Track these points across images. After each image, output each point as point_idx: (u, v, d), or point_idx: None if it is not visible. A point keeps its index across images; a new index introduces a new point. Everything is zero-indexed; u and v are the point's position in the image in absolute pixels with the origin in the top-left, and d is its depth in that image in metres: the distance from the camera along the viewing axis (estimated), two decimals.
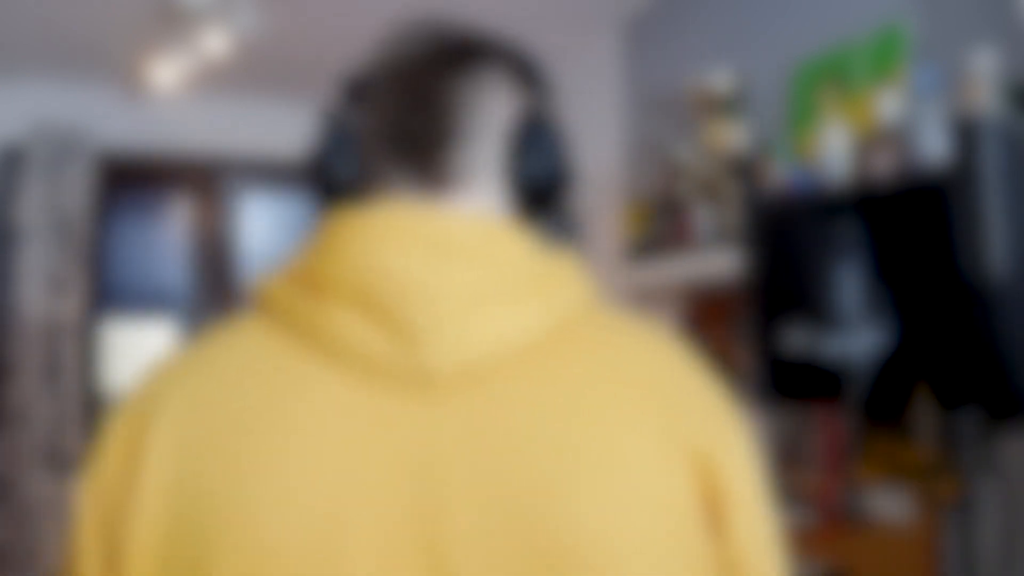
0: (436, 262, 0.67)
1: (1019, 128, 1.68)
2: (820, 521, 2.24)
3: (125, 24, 3.34)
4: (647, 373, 0.72)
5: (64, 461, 3.70)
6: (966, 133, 1.67)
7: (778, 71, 2.63)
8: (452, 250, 0.68)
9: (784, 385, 2.07)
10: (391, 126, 0.77)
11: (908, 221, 1.84)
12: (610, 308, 0.78)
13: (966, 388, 1.72)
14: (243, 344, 0.72)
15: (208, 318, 4.16)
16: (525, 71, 0.82)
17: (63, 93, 3.97)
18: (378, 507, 0.64)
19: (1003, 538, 1.83)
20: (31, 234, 3.75)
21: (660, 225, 2.87)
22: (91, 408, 3.90)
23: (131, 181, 4.13)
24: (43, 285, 3.75)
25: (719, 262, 2.49)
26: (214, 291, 4.20)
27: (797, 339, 1.96)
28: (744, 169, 2.46)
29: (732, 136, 2.64)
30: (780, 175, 2.31)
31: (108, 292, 4.04)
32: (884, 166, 1.96)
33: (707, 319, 2.85)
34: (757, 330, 2.11)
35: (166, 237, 4.22)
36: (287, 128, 4.37)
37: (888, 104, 2.07)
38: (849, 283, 1.91)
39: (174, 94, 4.05)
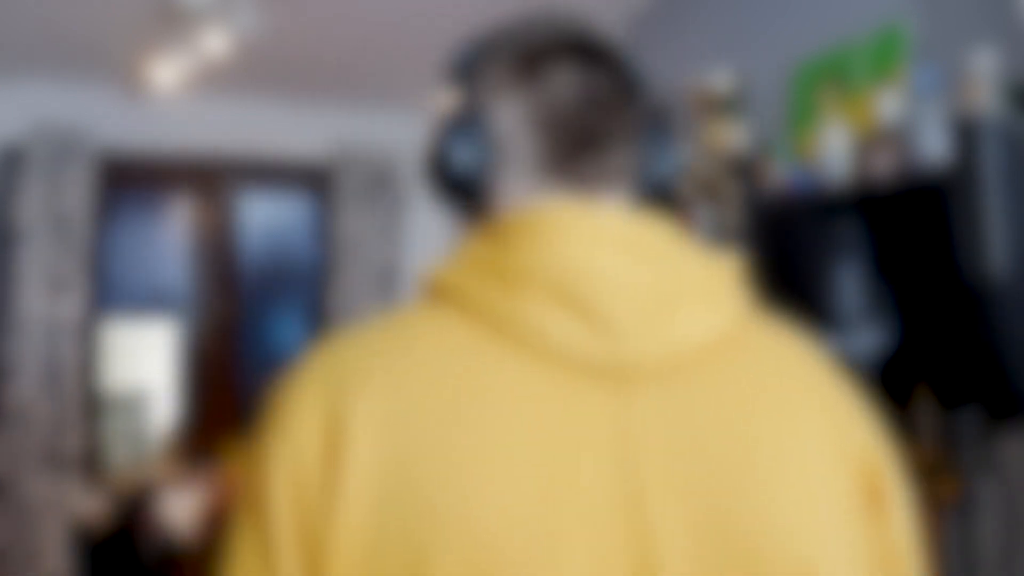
0: (628, 261, 0.69)
1: (1019, 128, 1.68)
2: None
3: (125, 24, 3.35)
4: (809, 375, 0.75)
5: (64, 461, 3.70)
6: (966, 133, 1.67)
7: (778, 71, 2.63)
8: (641, 251, 0.70)
9: None
10: (538, 126, 0.78)
11: (908, 221, 1.84)
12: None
13: (966, 388, 1.72)
14: (433, 331, 0.70)
15: (208, 318, 4.16)
16: (635, 70, 0.84)
17: (63, 93, 3.97)
18: (587, 498, 0.65)
19: (1003, 538, 1.83)
20: (31, 234, 3.75)
21: None
22: (91, 408, 3.90)
23: (131, 181, 4.13)
24: (43, 285, 3.75)
25: None
26: (214, 291, 4.20)
27: None
28: (744, 169, 2.46)
29: (732, 136, 2.64)
30: (780, 175, 2.31)
31: (108, 292, 4.04)
32: (884, 166, 1.96)
33: None
34: None
35: (166, 237, 4.22)
36: (287, 128, 4.37)
37: (888, 104, 2.07)
38: (849, 283, 1.91)
39: (174, 94, 4.05)
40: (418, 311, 0.73)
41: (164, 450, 4.08)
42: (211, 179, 4.25)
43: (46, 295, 3.74)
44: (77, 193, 3.82)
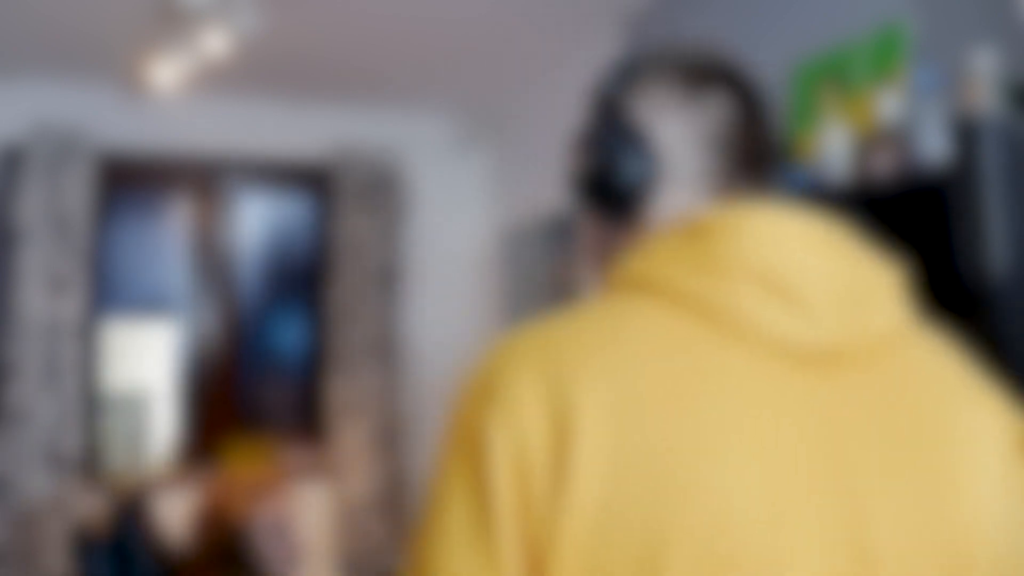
0: (822, 257, 0.74)
1: (1019, 128, 1.68)
2: None
3: (125, 24, 3.35)
4: (966, 369, 0.79)
5: (64, 461, 3.70)
6: (966, 133, 1.67)
7: (778, 71, 2.63)
8: (831, 249, 0.75)
9: None
10: (703, 144, 0.84)
11: (908, 221, 1.84)
12: None
13: None
14: (643, 321, 0.72)
15: (208, 317, 4.16)
16: (764, 98, 0.93)
17: (63, 93, 3.97)
18: (806, 481, 0.67)
19: None
20: (31, 234, 3.75)
21: None
22: (91, 408, 3.90)
23: (131, 181, 4.13)
24: (43, 285, 3.75)
25: None
26: (214, 291, 4.20)
27: None
28: None
29: None
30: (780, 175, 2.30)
31: (108, 292, 4.04)
32: (884, 166, 1.96)
33: None
34: None
35: (166, 237, 4.22)
36: (287, 128, 4.37)
37: (888, 104, 2.07)
38: None
39: (174, 94, 4.05)
40: (615, 303, 0.75)
41: (164, 451, 4.08)
42: (211, 179, 4.25)
43: (46, 295, 3.74)
44: (77, 193, 3.82)
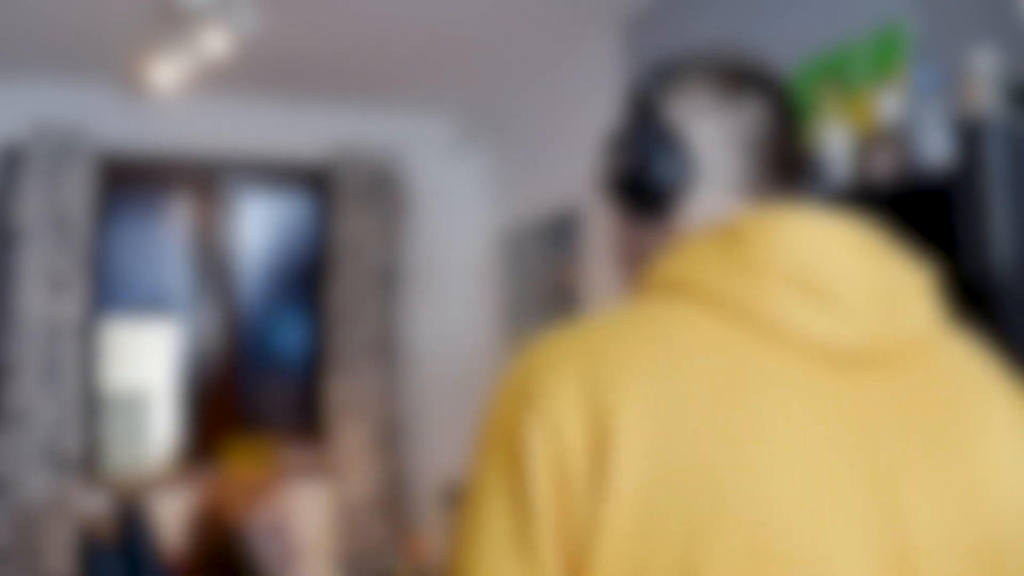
0: (856, 259, 0.75)
1: (1021, 128, 1.68)
2: None
3: (125, 24, 3.35)
4: (994, 370, 0.80)
5: (64, 461, 3.70)
6: (969, 133, 1.67)
7: (778, 71, 2.63)
8: (864, 252, 0.76)
9: None
10: (739, 147, 0.85)
11: (909, 221, 1.84)
12: None
13: None
14: (679, 324, 0.72)
15: (208, 317, 4.16)
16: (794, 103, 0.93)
17: (63, 93, 3.97)
18: (846, 483, 0.68)
19: None
20: (31, 234, 3.75)
21: None
22: (91, 408, 3.90)
23: (131, 181, 4.13)
24: (43, 285, 3.75)
25: None
26: (214, 291, 4.20)
27: None
28: None
29: None
30: None
31: (108, 292, 4.04)
32: (884, 166, 1.96)
33: None
34: None
35: (166, 237, 4.22)
36: (287, 128, 4.37)
37: (888, 104, 2.07)
38: None
39: (174, 94, 4.05)
40: (650, 306, 0.75)
41: (164, 451, 4.08)
42: (211, 179, 4.25)
43: (46, 295, 3.74)
44: (77, 193, 3.82)
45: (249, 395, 4.26)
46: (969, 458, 0.72)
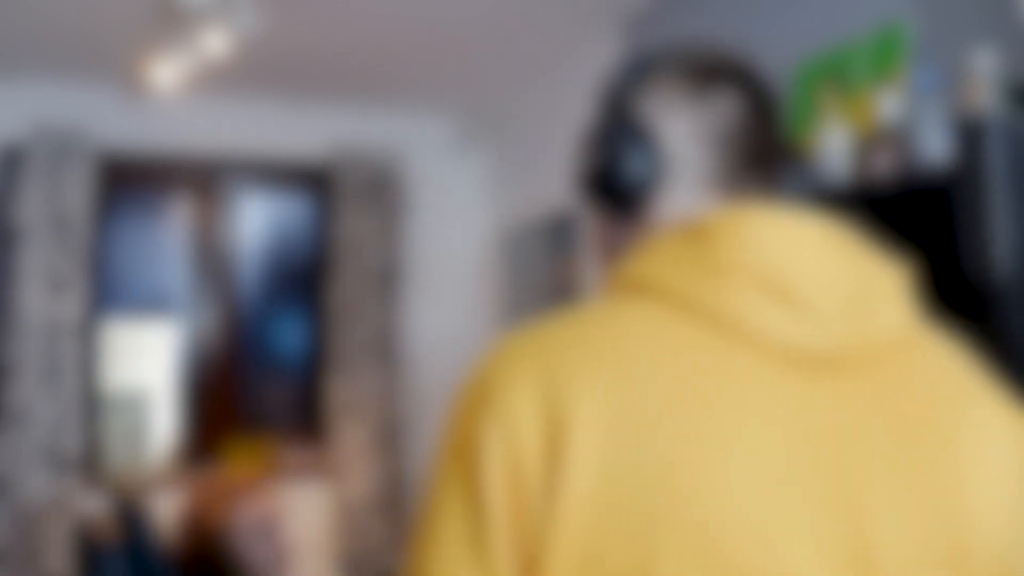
0: (825, 259, 0.73)
1: (1021, 128, 1.68)
2: None
3: (125, 24, 3.35)
4: (972, 374, 0.78)
5: (64, 461, 3.70)
6: (969, 133, 1.67)
7: (778, 71, 2.63)
8: (835, 251, 0.74)
9: None
10: (709, 143, 0.83)
11: (909, 221, 1.84)
12: None
13: None
14: (640, 324, 0.71)
15: (208, 317, 4.16)
16: (773, 95, 0.91)
17: (63, 93, 3.97)
18: (808, 486, 0.67)
19: None
20: (31, 234, 3.75)
21: None
22: (91, 408, 3.90)
23: (131, 181, 4.13)
24: (43, 285, 3.75)
25: None
26: (214, 291, 4.20)
27: None
28: None
29: None
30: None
31: (108, 292, 4.04)
32: (884, 166, 1.96)
33: None
34: None
35: (166, 237, 4.22)
36: (287, 128, 4.37)
37: (888, 104, 2.07)
38: None
39: (174, 94, 4.06)
40: (615, 305, 0.74)
41: (164, 451, 4.08)
42: (211, 179, 4.25)
43: (46, 295, 3.74)
44: (77, 193, 3.82)
45: (249, 395, 4.26)
46: (943, 461, 0.70)
